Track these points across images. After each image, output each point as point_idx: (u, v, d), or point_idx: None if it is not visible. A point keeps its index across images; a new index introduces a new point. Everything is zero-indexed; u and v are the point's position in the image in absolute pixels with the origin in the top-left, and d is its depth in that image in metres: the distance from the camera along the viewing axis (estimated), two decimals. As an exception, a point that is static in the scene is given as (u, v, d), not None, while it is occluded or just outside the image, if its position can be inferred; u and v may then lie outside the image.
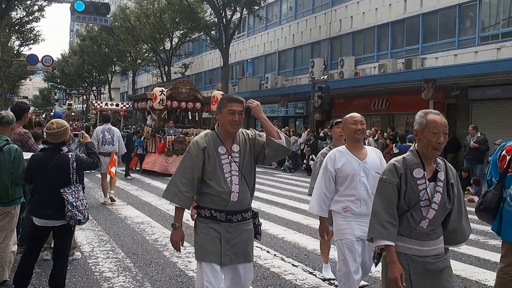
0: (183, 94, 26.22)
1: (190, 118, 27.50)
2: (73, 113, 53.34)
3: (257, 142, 5.39)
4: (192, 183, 5.14)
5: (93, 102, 46.36)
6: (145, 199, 16.81)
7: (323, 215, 6.40)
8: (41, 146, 8.64)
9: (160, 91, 24.90)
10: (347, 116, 6.69)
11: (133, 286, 7.63)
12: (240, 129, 5.37)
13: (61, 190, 6.53)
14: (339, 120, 8.15)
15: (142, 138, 26.11)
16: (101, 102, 45.93)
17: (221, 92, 26.36)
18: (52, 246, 7.43)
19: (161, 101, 24.81)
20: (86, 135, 7.89)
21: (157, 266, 8.77)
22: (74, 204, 6.53)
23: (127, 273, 8.29)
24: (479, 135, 21.18)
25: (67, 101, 69.30)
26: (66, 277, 6.89)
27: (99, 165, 7.48)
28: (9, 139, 7.17)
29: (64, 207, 6.49)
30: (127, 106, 42.94)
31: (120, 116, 43.24)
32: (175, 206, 5.34)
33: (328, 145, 8.68)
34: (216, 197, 5.16)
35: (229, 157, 5.20)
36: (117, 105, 44.44)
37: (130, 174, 23.35)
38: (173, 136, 24.72)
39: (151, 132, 25.67)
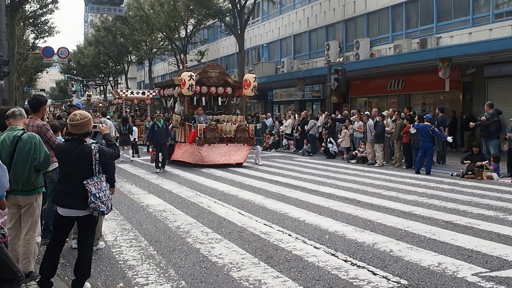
0: (213, 78, 24.63)
1: (220, 104, 25.69)
2: (100, 104, 52.59)
3: None
4: None
5: (118, 90, 45.37)
6: (166, 187, 16.89)
7: None
8: (60, 137, 8.71)
9: (189, 76, 23.15)
10: None
11: (157, 273, 7.69)
12: None
13: (84, 182, 6.57)
14: None
15: (170, 127, 24.06)
16: (127, 91, 45.13)
17: (254, 75, 24.89)
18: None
19: (190, 87, 23.08)
20: (105, 126, 7.85)
21: (181, 252, 8.83)
22: (97, 195, 6.59)
23: (151, 260, 8.36)
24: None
25: (86, 92, 69.41)
26: (91, 266, 6.98)
27: (120, 156, 7.53)
28: (24, 128, 7.31)
29: (87, 198, 6.56)
30: (154, 94, 41.41)
31: (146, 105, 42.35)
32: None
33: None
34: None
35: None
36: (143, 93, 43.33)
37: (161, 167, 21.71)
38: (204, 124, 23.18)
39: (180, 120, 24.46)
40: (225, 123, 23.89)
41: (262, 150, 26.21)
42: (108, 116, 30.87)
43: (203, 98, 24.93)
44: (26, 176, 7.03)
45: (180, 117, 24.57)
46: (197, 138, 22.91)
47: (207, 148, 22.97)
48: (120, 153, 10.72)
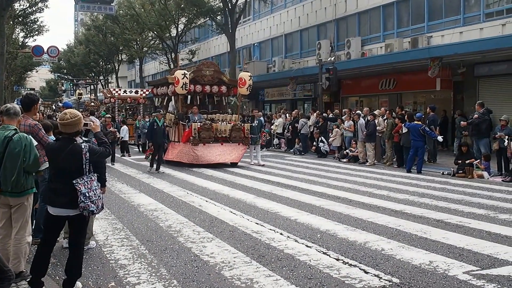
0: (207, 77, 24.18)
1: (215, 103, 25.45)
2: (92, 103, 52.11)
3: None
4: None
5: (111, 89, 44.73)
6: (157, 186, 16.87)
7: None
8: (52, 137, 8.65)
9: (182, 75, 22.76)
10: None
11: (148, 272, 7.67)
12: None
13: (74, 181, 6.51)
14: None
15: None
16: (119, 89, 44.61)
17: (249, 74, 24.58)
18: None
19: (184, 85, 22.69)
20: (96, 124, 7.75)
21: (172, 252, 8.81)
22: (87, 195, 6.52)
23: (143, 260, 8.33)
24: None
25: (77, 91, 69.12)
26: (82, 266, 6.95)
27: (111, 154, 7.46)
28: (17, 128, 7.23)
29: (77, 197, 6.49)
30: (147, 93, 40.81)
31: (138, 104, 41.79)
32: None
33: None
34: None
35: None
36: (136, 92, 42.71)
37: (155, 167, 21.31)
38: (198, 123, 22.73)
39: (174, 119, 24.03)
40: (220, 123, 23.51)
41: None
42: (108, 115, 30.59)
43: (197, 96, 24.58)
44: (15, 178, 6.94)
45: (174, 116, 24.19)
46: (191, 137, 22.51)
47: (202, 148, 22.61)
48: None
